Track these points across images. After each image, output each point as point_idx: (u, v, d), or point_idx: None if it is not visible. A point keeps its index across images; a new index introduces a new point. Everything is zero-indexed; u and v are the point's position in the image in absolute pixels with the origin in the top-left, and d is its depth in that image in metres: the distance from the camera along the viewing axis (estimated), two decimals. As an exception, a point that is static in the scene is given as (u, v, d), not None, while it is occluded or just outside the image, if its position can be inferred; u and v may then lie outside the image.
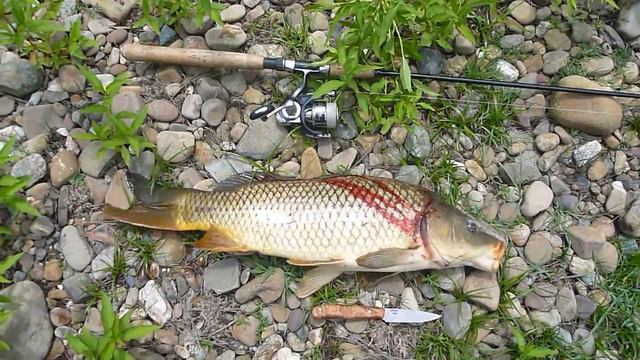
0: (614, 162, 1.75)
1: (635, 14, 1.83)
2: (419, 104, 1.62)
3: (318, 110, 1.61)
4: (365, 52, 1.66)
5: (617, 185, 1.72)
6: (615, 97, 1.72)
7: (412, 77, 1.50)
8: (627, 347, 1.59)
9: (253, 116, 1.59)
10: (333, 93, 1.62)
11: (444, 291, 1.58)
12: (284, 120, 1.64)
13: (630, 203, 1.68)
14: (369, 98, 1.62)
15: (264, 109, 1.58)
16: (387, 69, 1.63)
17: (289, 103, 1.62)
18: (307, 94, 1.64)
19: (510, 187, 1.69)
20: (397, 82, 1.63)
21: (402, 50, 1.42)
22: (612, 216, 1.71)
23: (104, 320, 1.36)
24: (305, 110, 1.61)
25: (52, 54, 1.67)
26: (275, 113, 1.63)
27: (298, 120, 1.63)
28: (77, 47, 1.64)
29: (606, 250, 1.64)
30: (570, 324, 1.61)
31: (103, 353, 1.31)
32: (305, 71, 1.64)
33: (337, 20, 1.48)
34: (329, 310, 1.52)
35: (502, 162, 1.72)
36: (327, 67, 1.63)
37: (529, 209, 1.66)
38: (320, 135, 1.64)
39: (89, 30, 1.78)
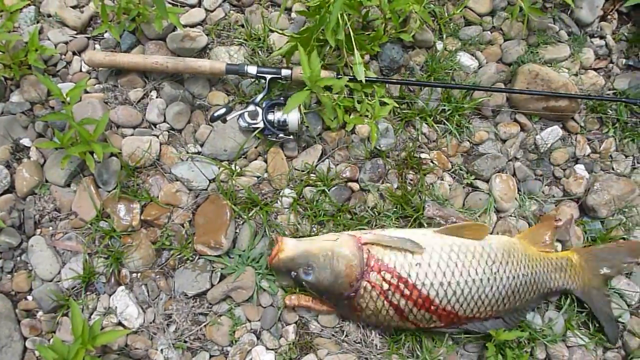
0: (575, 146, 1.79)
1: (588, 1, 1.87)
2: (381, 99, 1.64)
3: (280, 115, 1.61)
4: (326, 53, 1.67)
5: (579, 168, 1.76)
6: (572, 83, 1.76)
7: (371, 80, 1.52)
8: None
9: (212, 119, 1.58)
10: None
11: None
12: (246, 125, 1.64)
13: (592, 184, 1.72)
14: (333, 99, 1.63)
15: (223, 110, 1.57)
16: (341, 65, 1.66)
17: (251, 107, 1.62)
18: (271, 99, 1.65)
19: (475, 175, 1.71)
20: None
21: (353, 42, 1.42)
22: (576, 199, 1.74)
23: (74, 327, 1.35)
24: (267, 115, 1.62)
25: (12, 64, 1.66)
26: (238, 118, 1.63)
27: (261, 125, 1.63)
28: (36, 56, 1.63)
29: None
30: (539, 306, 1.63)
31: (73, 360, 1.31)
32: (268, 76, 1.64)
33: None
34: (301, 300, 1.53)
35: (467, 152, 1.74)
36: (289, 71, 1.64)
37: (495, 196, 1.68)
38: (282, 135, 1.63)
39: (49, 39, 1.77)
